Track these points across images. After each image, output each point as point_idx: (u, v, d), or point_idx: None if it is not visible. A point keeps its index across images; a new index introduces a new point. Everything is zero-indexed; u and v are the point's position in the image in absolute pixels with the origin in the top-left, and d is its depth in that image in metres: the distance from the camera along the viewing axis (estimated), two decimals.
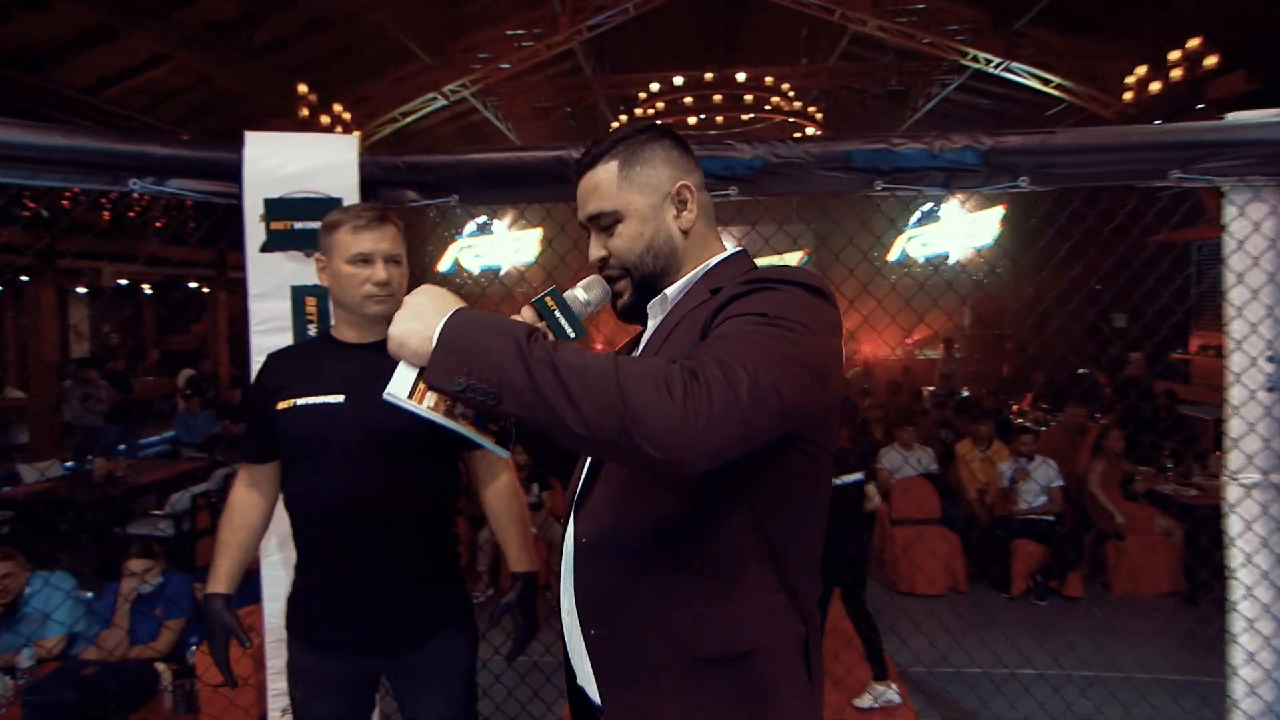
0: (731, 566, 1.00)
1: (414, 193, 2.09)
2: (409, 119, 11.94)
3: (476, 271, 13.14)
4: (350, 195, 2.01)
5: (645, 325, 1.19)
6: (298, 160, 2.00)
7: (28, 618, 3.14)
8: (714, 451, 0.81)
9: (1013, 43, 9.13)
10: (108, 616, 3.39)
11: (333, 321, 1.74)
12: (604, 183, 1.13)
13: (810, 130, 8.25)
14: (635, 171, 1.12)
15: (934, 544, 5.06)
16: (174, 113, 11.95)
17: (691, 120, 8.69)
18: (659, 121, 1.60)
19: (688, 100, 8.60)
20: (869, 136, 2.04)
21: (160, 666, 2.92)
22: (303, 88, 9.23)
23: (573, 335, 1.08)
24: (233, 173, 1.97)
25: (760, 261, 1.17)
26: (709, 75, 8.48)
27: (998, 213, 12.07)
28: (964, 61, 9.25)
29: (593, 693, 1.06)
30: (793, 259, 8.19)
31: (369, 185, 2.05)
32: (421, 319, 0.90)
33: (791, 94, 8.40)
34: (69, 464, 7.60)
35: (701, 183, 1.19)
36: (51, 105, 10.05)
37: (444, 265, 13.54)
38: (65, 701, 2.60)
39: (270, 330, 1.99)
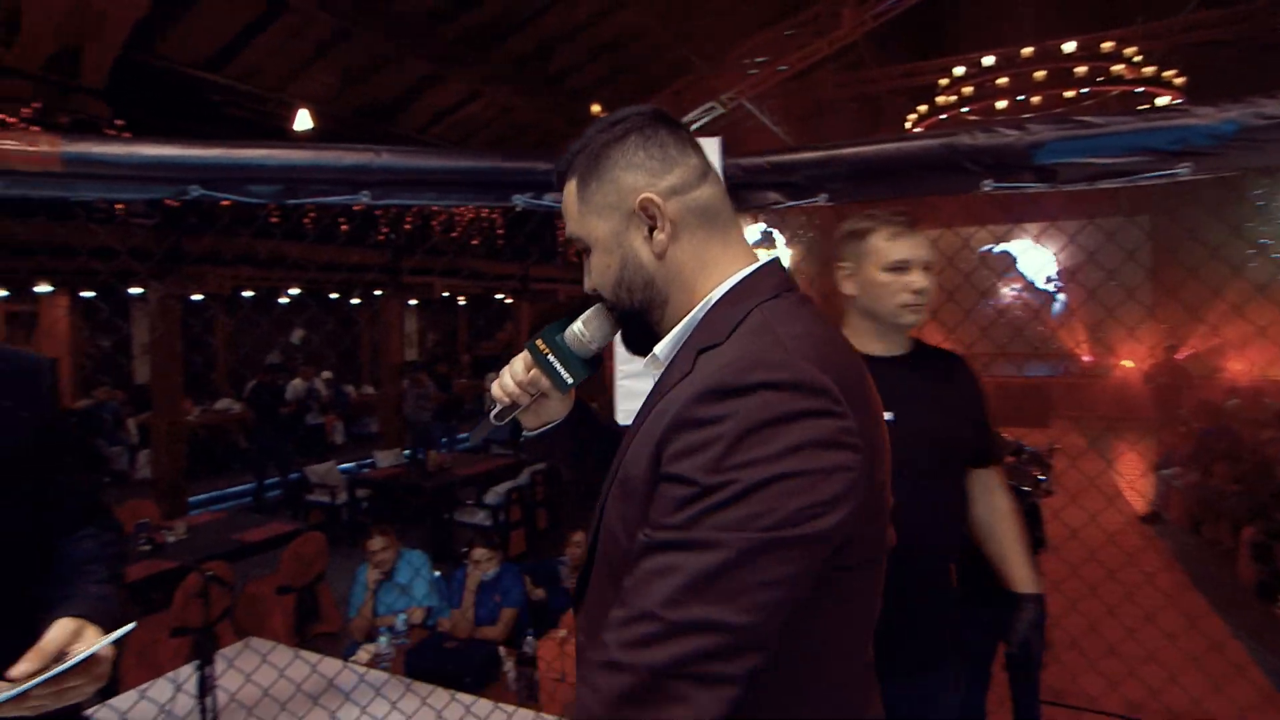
0: None
1: (778, 194, 1.99)
2: (692, 129, 12.27)
3: None
4: None
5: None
6: None
7: (398, 588, 3.61)
8: None
9: None
10: (453, 596, 3.79)
11: (845, 329, 1.68)
12: (568, 204, 0.93)
13: (1167, 99, 6.99)
14: (591, 191, 0.89)
15: None
16: (484, 141, 13.44)
17: (1001, 104, 7.82)
18: (655, 108, 0.92)
19: (1001, 81, 7.74)
20: None
21: (501, 650, 3.17)
22: (596, 108, 9.87)
23: (570, 381, 0.98)
24: None
25: None
26: (1027, 50, 7.57)
27: None
28: None
29: None
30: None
31: (733, 188, 1.98)
32: None
33: (1138, 58, 7.19)
34: (406, 452, 8.86)
35: (686, 181, 0.89)
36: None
37: None
38: (433, 667, 2.90)
39: None
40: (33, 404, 1.06)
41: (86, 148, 1.77)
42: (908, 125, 9.32)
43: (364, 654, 3.25)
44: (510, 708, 2.29)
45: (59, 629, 0.89)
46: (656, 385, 0.88)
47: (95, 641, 0.89)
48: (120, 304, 10.92)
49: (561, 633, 3.01)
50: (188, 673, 2.40)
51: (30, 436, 1.04)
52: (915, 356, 1.66)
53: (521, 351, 1.01)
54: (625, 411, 2.03)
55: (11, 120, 7.34)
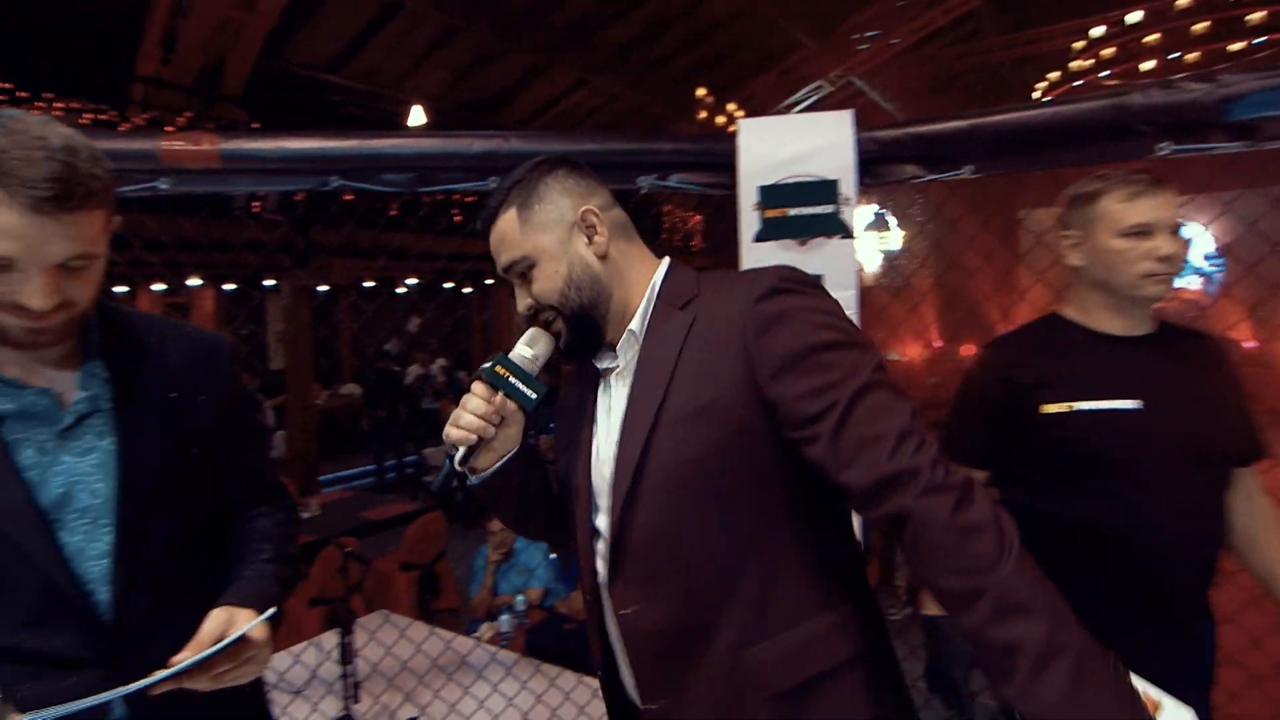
0: (792, 581, 0.96)
1: (916, 168, 1.88)
2: (795, 110, 12.00)
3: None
4: (846, 175, 1.88)
5: (592, 361, 1.10)
6: (792, 144, 1.92)
7: (517, 568, 3.70)
8: None
9: None
10: (570, 578, 3.85)
11: (1072, 306, 1.50)
12: (507, 232, 1.06)
13: None
14: (534, 212, 1.05)
15: None
16: (587, 130, 13.58)
17: (1147, 65, 7.19)
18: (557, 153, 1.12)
19: (1150, 39, 7.11)
20: None
21: None
22: (701, 91, 9.77)
23: (534, 396, 1.03)
24: (729, 163, 1.96)
25: None
26: (1182, 0, 6.92)
27: None
28: None
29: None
30: None
31: (866, 163, 1.89)
32: None
33: None
34: None
35: (608, 202, 1.10)
36: None
37: None
38: (554, 648, 2.95)
39: None
40: (216, 382, 1.09)
41: (241, 144, 1.87)
42: (1035, 95, 8.73)
43: (486, 631, 3.35)
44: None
45: (211, 621, 0.92)
46: (649, 353, 1.02)
47: (245, 626, 0.90)
48: (256, 296, 11.74)
49: None
50: (329, 640, 2.54)
51: (214, 415, 1.07)
52: (1162, 336, 1.44)
53: (472, 387, 1.05)
54: None
55: (169, 129, 7.97)
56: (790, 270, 1.00)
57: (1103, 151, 1.66)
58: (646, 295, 1.07)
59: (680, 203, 12.78)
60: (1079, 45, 7.95)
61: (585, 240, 1.05)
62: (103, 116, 7.79)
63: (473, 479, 1.11)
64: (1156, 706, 0.81)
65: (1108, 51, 7.40)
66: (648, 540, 0.97)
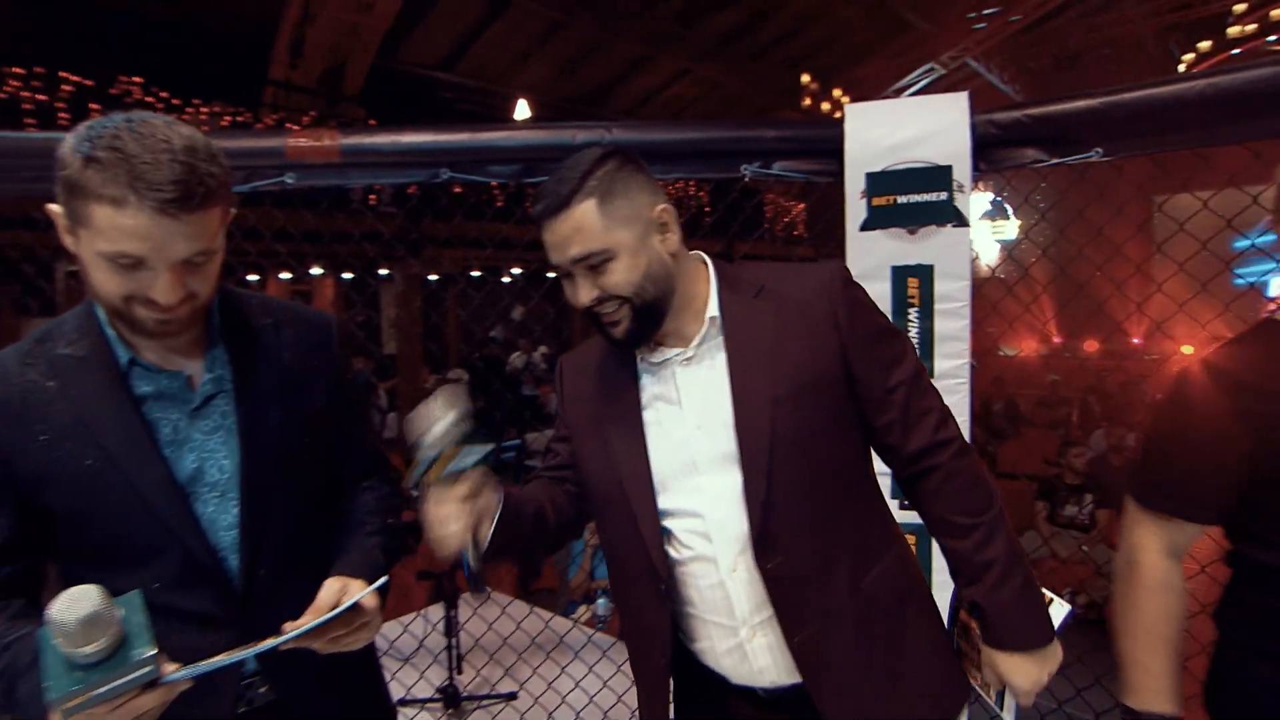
0: (874, 521, 1.17)
1: (1037, 151, 1.77)
2: (903, 95, 11.54)
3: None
4: (960, 160, 1.78)
5: (646, 346, 1.14)
6: (901, 129, 1.84)
7: None
8: None
9: None
10: None
11: None
12: (585, 224, 1.05)
13: None
14: (616, 206, 1.06)
15: None
16: (691, 118, 13.54)
17: None
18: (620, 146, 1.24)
19: None
20: None
21: None
22: (805, 77, 9.53)
23: (490, 449, 1.00)
24: (834, 149, 1.90)
25: None
26: None
27: None
28: None
29: (771, 682, 1.13)
30: None
31: (982, 147, 1.79)
32: None
33: None
34: None
35: (666, 198, 1.14)
36: None
37: None
38: None
39: None
40: (327, 361, 1.14)
41: (360, 139, 1.97)
42: (1182, 69, 8.00)
43: (583, 613, 3.42)
44: None
45: (326, 590, 0.96)
46: (737, 336, 1.11)
47: (357, 595, 0.95)
48: (372, 284, 12.37)
49: None
50: (436, 613, 2.66)
51: (325, 392, 1.11)
52: None
53: (427, 503, 1.00)
54: None
55: (293, 127, 8.50)
56: (842, 264, 1.18)
57: (1273, 125, 1.50)
58: (714, 286, 1.13)
59: (783, 191, 12.54)
60: (1240, 8, 7.08)
61: (660, 237, 1.09)
62: (240, 118, 8.37)
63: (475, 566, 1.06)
64: (1050, 600, 1.12)
65: (1278, 12, 6.49)
66: (783, 498, 1.07)
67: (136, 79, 7.44)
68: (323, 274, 9.91)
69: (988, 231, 11.17)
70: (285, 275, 9.60)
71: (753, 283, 1.13)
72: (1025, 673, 1.08)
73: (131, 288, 0.89)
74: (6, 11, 7.94)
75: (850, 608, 1.09)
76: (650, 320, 1.08)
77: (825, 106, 10.71)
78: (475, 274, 11.52)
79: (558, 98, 13.01)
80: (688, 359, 1.11)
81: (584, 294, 1.07)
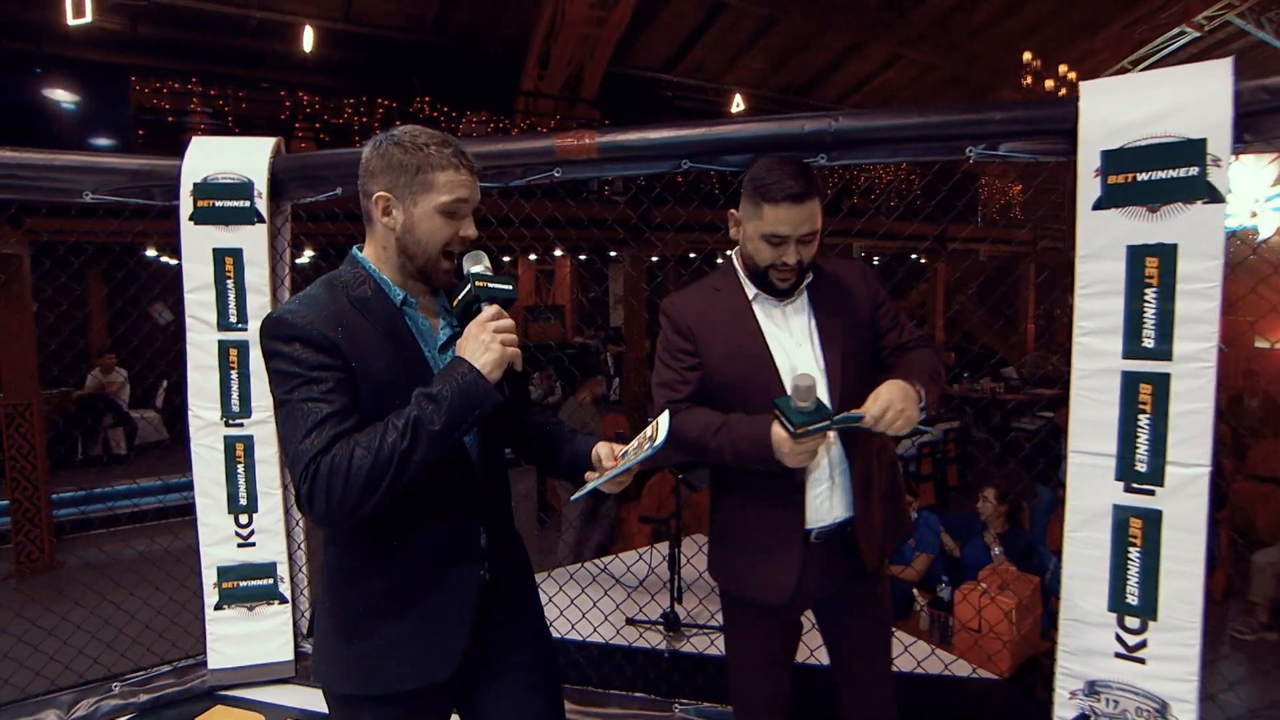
0: None
1: None
2: (1143, 65, 9.96)
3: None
4: (1219, 133, 1.56)
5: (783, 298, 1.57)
6: (1147, 103, 1.65)
7: None
8: None
9: None
10: None
11: None
12: (815, 212, 1.47)
13: None
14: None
15: None
16: (901, 105, 12.74)
17: None
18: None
19: None
20: None
21: (915, 591, 3.09)
22: (1027, 55, 8.55)
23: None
24: (1067, 128, 1.75)
25: None
26: None
27: None
28: None
29: (835, 516, 1.55)
30: None
31: (1247, 117, 1.56)
32: None
33: None
34: None
35: None
36: None
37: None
38: None
39: (1098, 294, 1.72)
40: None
41: (613, 137, 2.13)
42: None
43: None
44: (921, 642, 2.24)
45: (602, 449, 1.27)
46: (822, 293, 1.59)
47: (662, 430, 1.18)
48: (602, 265, 13.08)
49: (981, 586, 2.81)
50: (657, 554, 2.84)
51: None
52: None
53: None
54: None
55: (543, 130, 9.18)
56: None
57: None
58: None
59: (999, 173, 11.40)
60: None
61: None
62: (501, 125, 9.24)
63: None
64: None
65: None
66: (845, 388, 1.49)
67: (427, 98, 8.51)
68: (562, 255, 10.67)
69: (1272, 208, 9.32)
70: (532, 256, 10.48)
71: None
72: (904, 392, 1.38)
73: (451, 232, 1.20)
74: (341, 58, 9.42)
75: (886, 506, 1.60)
76: (803, 278, 1.54)
77: (1049, 84, 9.51)
78: (692, 255, 11.78)
79: (771, 89, 12.80)
80: (795, 303, 1.56)
81: (794, 257, 1.46)
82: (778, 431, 1.38)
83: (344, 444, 1.07)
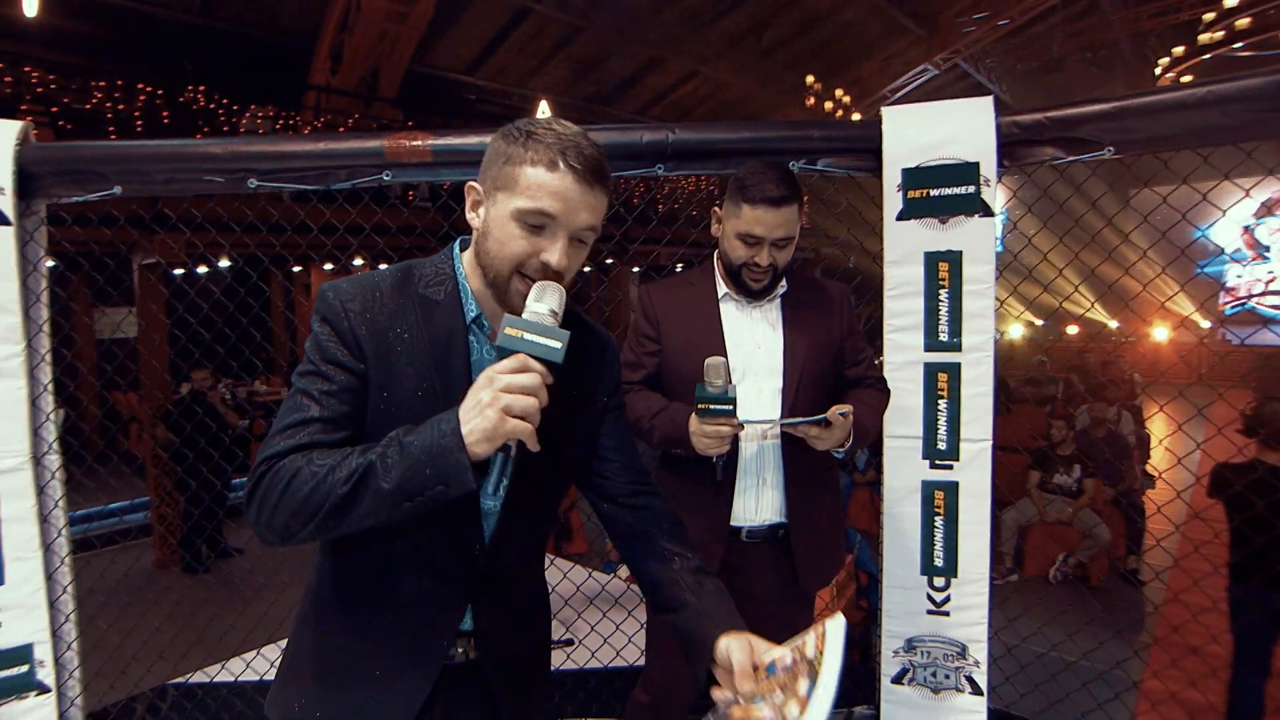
0: None
1: (1055, 149, 1.85)
2: (898, 95, 11.52)
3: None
4: (987, 157, 1.87)
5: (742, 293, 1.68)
6: (934, 129, 1.93)
7: None
8: None
9: None
10: None
11: None
12: (793, 217, 1.58)
13: None
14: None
15: None
16: (697, 119, 13.56)
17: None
18: None
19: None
20: None
21: None
22: (809, 78, 9.53)
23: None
24: (873, 147, 1.99)
25: None
26: None
27: None
28: None
29: (763, 520, 1.67)
30: None
31: (1008, 146, 1.88)
32: None
33: None
34: None
35: None
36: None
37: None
38: None
39: (902, 295, 1.97)
40: (607, 376, 1.16)
41: (450, 140, 2.05)
42: (1158, 72, 8.02)
43: (622, 570, 3.55)
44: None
45: (736, 648, 0.93)
46: (793, 301, 1.71)
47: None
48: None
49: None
50: None
51: (605, 395, 1.14)
52: None
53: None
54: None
55: (342, 130, 8.55)
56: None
57: (1267, 129, 1.59)
58: None
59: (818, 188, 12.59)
60: (1209, 17, 7.21)
61: None
62: (291, 120, 8.45)
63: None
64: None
65: (1243, 22, 6.68)
66: (805, 408, 1.59)
67: (201, 87, 7.54)
68: (362, 264, 9.99)
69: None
70: (328, 266, 9.71)
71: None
72: (840, 425, 1.52)
73: (528, 249, 0.93)
74: (84, 31, 8.04)
75: (828, 503, 1.75)
76: (776, 282, 1.63)
77: (828, 106, 10.70)
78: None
79: (576, 98, 13.01)
80: (763, 307, 1.66)
81: (766, 259, 1.56)
82: (692, 419, 1.47)
83: (301, 457, 0.90)
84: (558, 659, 2.53)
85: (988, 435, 1.94)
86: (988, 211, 1.90)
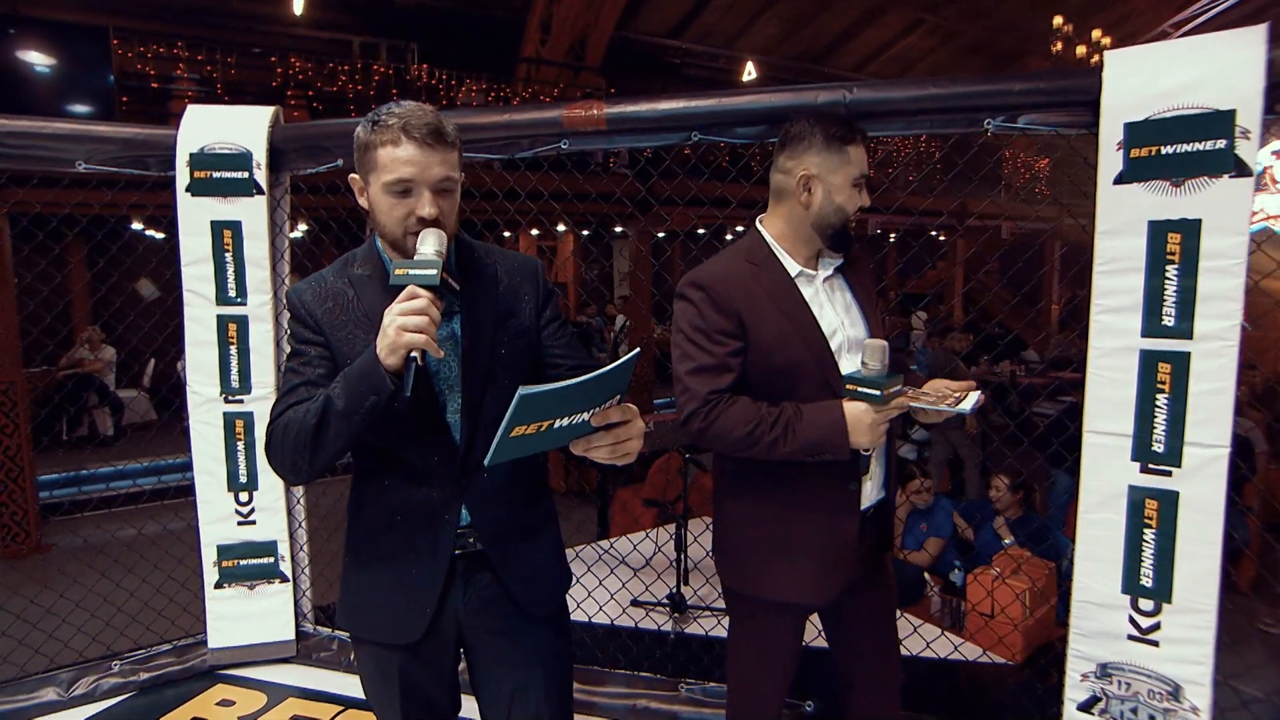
0: None
1: None
2: (1185, 29, 9.84)
3: None
4: (1249, 104, 1.58)
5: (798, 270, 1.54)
6: (1173, 73, 1.67)
7: None
8: None
9: None
10: None
11: None
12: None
13: None
14: None
15: None
16: (924, 73, 12.66)
17: None
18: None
19: None
20: None
21: (926, 575, 3.16)
22: (1058, 19, 8.47)
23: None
24: (1089, 100, 1.77)
25: None
26: None
27: None
28: None
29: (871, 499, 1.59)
30: None
31: (1277, 87, 1.59)
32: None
33: None
34: None
35: None
36: None
37: None
38: None
39: (1117, 271, 1.75)
40: (534, 290, 1.37)
41: (622, 108, 2.16)
42: None
43: None
44: (930, 625, 2.30)
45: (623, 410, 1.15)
46: (854, 274, 1.63)
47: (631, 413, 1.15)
48: (606, 238, 13.08)
49: (993, 571, 2.87)
50: (661, 535, 2.91)
51: (533, 313, 1.35)
52: None
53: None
54: None
55: (546, 100, 9.16)
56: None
57: None
58: None
59: (1025, 146, 11.33)
60: None
61: None
62: (502, 94, 9.23)
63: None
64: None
65: None
66: None
67: (424, 65, 8.51)
68: (565, 230, 10.70)
69: None
70: (534, 232, 10.51)
71: None
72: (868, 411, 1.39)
73: (405, 211, 1.18)
74: (334, 20, 9.39)
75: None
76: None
77: (1080, 51, 9.41)
78: (700, 231, 11.78)
79: (783, 57, 12.71)
80: (828, 279, 1.55)
81: (865, 201, 1.52)
82: (855, 408, 1.35)
83: (295, 409, 1.18)
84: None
85: (1224, 442, 1.67)
86: (1243, 170, 1.61)
